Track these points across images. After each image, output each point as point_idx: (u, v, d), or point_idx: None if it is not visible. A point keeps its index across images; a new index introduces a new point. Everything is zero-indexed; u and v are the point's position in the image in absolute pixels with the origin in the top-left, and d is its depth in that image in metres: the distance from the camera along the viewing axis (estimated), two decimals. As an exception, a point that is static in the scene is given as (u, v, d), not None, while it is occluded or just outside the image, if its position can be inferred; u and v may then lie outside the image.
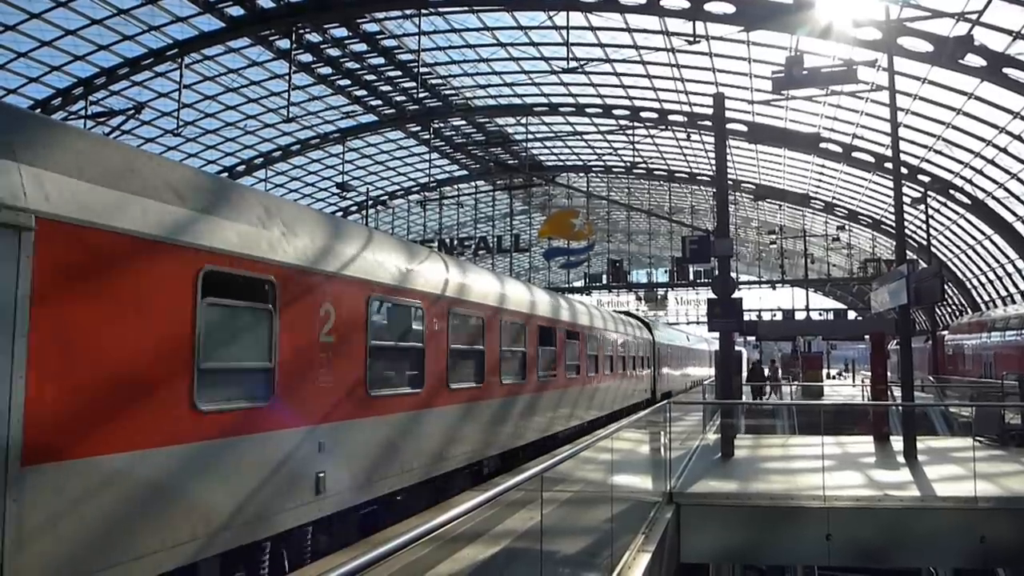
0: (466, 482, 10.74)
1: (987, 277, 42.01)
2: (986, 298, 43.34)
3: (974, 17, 20.32)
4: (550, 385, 15.13)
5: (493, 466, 12.00)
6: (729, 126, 26.84)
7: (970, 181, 32.89)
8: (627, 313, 33.06)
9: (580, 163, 47.17)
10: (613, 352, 21.73)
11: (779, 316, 49.47)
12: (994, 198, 32.94)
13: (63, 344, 4.71)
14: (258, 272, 6.45)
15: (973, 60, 21.65)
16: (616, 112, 35.81)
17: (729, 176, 23.55)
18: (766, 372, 34.78)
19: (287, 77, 28.10)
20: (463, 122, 38.39)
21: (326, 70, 30.66)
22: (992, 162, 30.24)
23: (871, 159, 33.42)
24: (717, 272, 16.12)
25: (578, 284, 50.36)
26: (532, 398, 13.84)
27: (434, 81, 32.92)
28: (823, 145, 34.03)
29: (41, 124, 5.52)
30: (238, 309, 6.37)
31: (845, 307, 63.48)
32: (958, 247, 42.66)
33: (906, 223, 21.64)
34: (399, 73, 31.11)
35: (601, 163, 46.99)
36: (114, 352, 5.09)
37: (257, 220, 6.71)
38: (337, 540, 7.56)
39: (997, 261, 39.12)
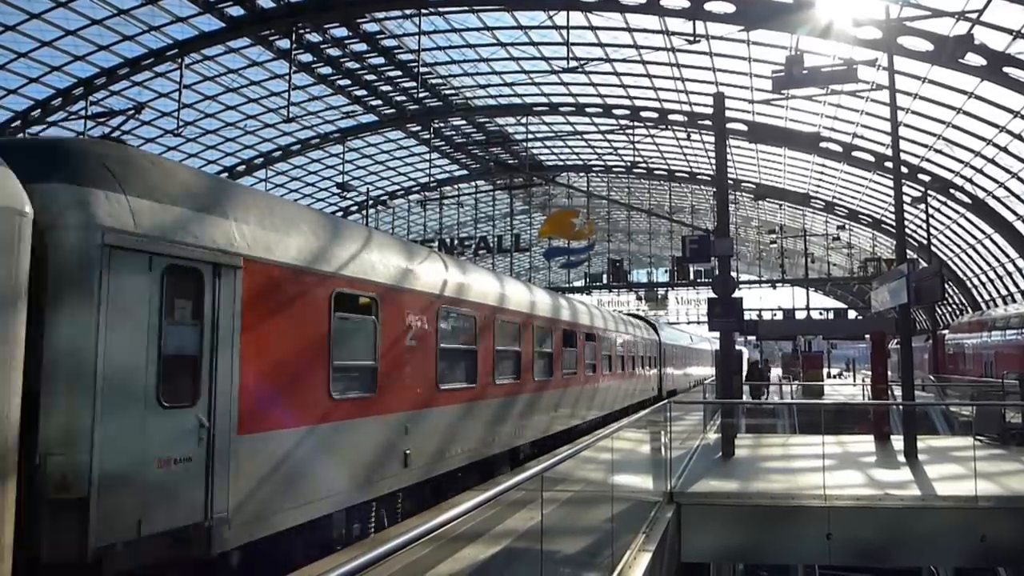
0: (505, 464, 12.55)
1: (987, 276, 42.00)
2: (986, 297, 43.34)
3: (974, 16, 20.31)
4: (572, 382, 17.08)
5: (527, 452, 13.82)
6: (729, 125, 26.85)
7: (970, 180, 32.88)
8: (635, 315, 35.28)
9: (580, 163, 47.16)
10: (625, 353, 23.69)
11: (779, 316, 49.44)
12: (994, 197, 32.93)
13: (257, 349, 6.56)
14: (367, 291, 8.51)
15: (973, 59, 21.63)
16: (616, 112, 35.79)
17: (729, 176, 23.57)
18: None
19: (287, 77, 28.09)
20: (463, 122, 38.38)
21: (326, 70, 30.65)
22: (992, 161, 30.23)
23: (871, 158, 33.41)
24: (717, 272, 16.12)
25: (578, 284, 50.38)
26: (558, 393, 15.84)
27: (434, 81, 32.91)
28: (823, 144, 34.01)
29: (240, 190, 8.09)
30: (354, 320, 8.31)
31: (845, 306, 63.47)
32: (958, 246, 42.65)
33: (906, 222, 21.64)
34: (399, 73, 31.09)
35: (601, 163, 46.98)
36: (284, 354, 7.04)
37: (363, 248, 8.78)
38: (419, 505, 9.49)
39: (997, 260, 39.11)
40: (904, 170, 25.47)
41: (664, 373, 31.47)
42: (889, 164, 26.09)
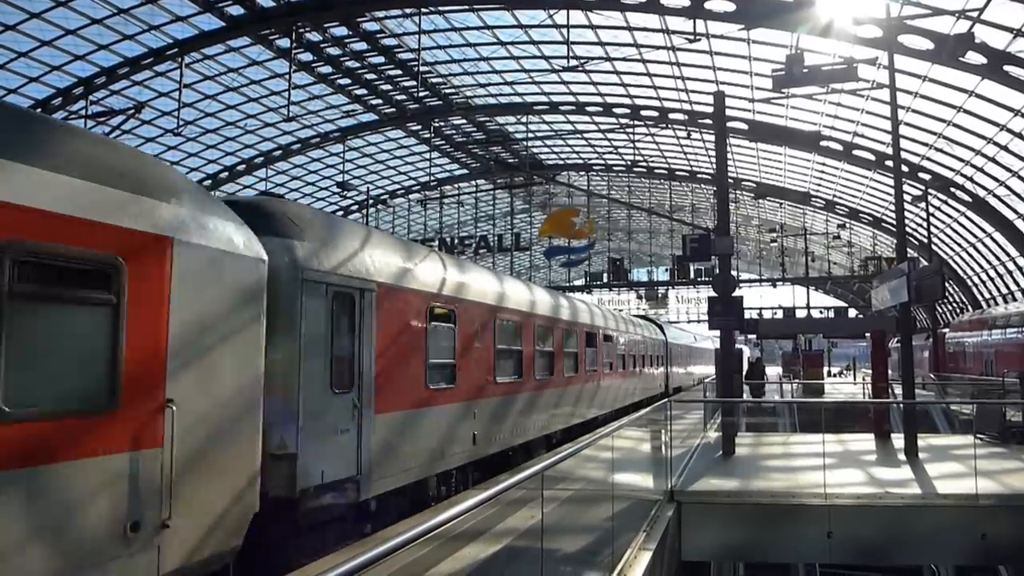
0: (542, 447, 14.79)
1: (988, 275, 42.00)
2: (987, 296, 43.33)
3: (975, 15, 20.30)
4: (593, 378, 19.29)
5: (558, 438, 15.84)
6: (730, 124, 26.85)
7: (971, 179, 32.87)
8: (643, 317, 37.58)
9: (581, 162, 47.15)
10: (636, 352, 26.07)
11: (780, 314, 49.44)
12: (995, 196, 32.92)
13: (385, 350, 8.88)
14: (449, 305, 10.90)
15: (974, 58, 21.62)
16: (616, 110, 35.79)
17: (730, 174, 23.55)
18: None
19: (287, 76, 28.07)
20: (463, 121, 38.37)
21: (326, 69, 30.64)
22: (993, 160, 30.22)
23: (872, 157, 33.39)
24: (718, 270, 16.12)
25: (579, 283, 50.37)
26: (581, 388, 18.11)
27: (434, 80, 32.91)
28: (824, 143, 34.00)
29: (371, 231, 10.48)
30: (441, 328, 10.60)
31: (846, 305, 63.46)
32: (959, 245, 42.64)
33: (907, 221, 21.63)
34: (399, 72, 31.08)
35: (602, 161, 46.97)
36: (400, 354, 9.37)
37: (446, 271, 11.25)
38: (482, 476, 11.81)
39: (998, 259, 39.10)
40: (905, 169, 25.50)
41: (670, 371, 33.26)
42: (889, 163, 26.09)
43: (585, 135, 41.81)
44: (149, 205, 5.52)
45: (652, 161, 45.18)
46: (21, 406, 4.42)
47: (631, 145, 40.95)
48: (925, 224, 33.99)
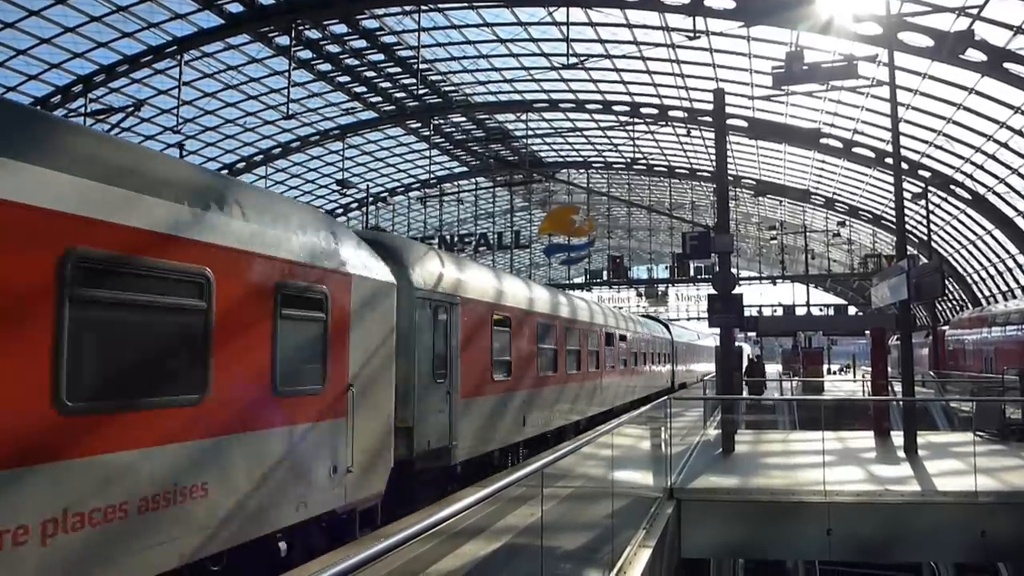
0: (571, 432, 17.09)
1: (988, 272, 42.01)
2: (987, 293, 43.35)
3: (975, 12, 20.29)
4: (612, 374, 21.95)
5: (583, 424, 18.15)
6: (729, 122, 26.83)
7: (971, 176, 32.87)
8: (652, 317, 40.13)
9: (580, 159, 47.14)
10: (648, 351, 28.45)
11: (780, 312, 49.45)
12: (995, 193, 32.92)
13: (465, 349, 11.25)
14: (506, 313, 13.38)
15: (974, 55, 21.61)
16: (616, 108, 35.77)
17: (729, 172, 23.53)
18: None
19: (287, 74, 28.05)
20: (463, 118, 38.35)
21: (326, 67, 30.62)
22: (993, 157, 30.21)
23: (871, 154, 33.39)
24: (717, 268, 16.12)
25: (579, 280, 50.35)
26: (603, 382, 20.63)
27: (434, 77, 32.90)
28: (823, 141, 34.00)
29: (456, 257, 13.21)
30: (500, 331, 13.06)
31: (846, 303, 63.49)
32: (959, 242, 42.66)
33: (907, 218, 21.62)
34: (399, 69, 31.07)
35: (601, 159, 46.95)
36: (475, 352, 11.84)
37: (502, 285, 13.95)
38: (528, 453, 14.25)
39: (998, 256, 39.11)
40: (904, 166, 25.47)
41: (676, 368, 35.39)
42: (889, 160, 26.10)
43: (585, 133, 41.80)
44: (339, 251, 7.99)
45: (652, 159, 45.16)
46: (286, 387, 6.82)
47: (631, 143, 40.95)
48: (925, 221, 34.01)
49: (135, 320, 5.45)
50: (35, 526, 4.43)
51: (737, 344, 22.41)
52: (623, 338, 23.53)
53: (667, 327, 36.35)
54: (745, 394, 21.71)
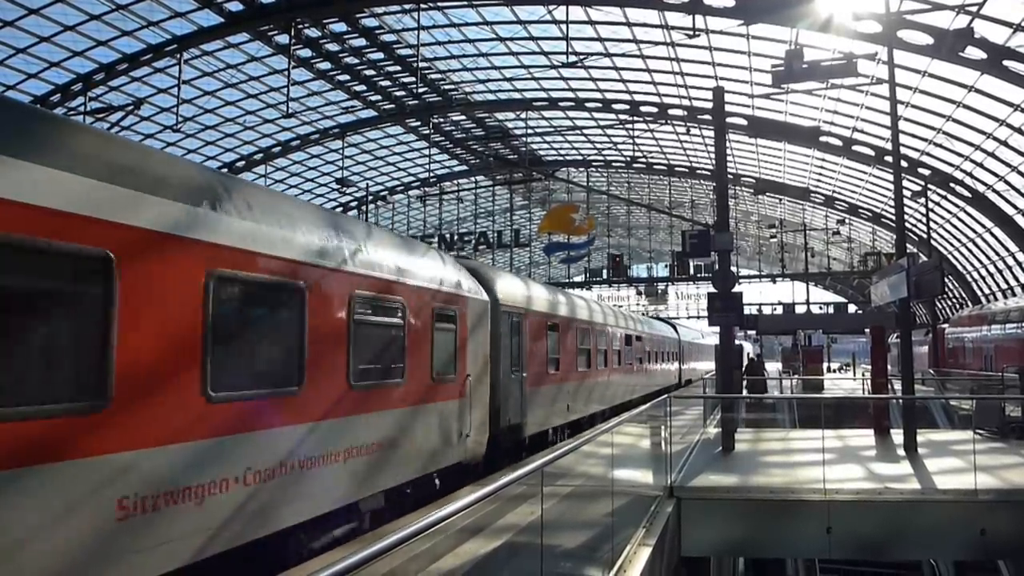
0: (599, 418, 19.29)
1: (987, 270, 42.01)
2: (986, 291, 43.35)
3: (974, 10, 20.29)
4: (630, 370, 25.27)
5: (608, 413, 20.44)
6: (729, 120, 26.83)
7: (970, 174, 32.86)
8: (660, 319, 43.46)
9: (580, 158, 47.13)
10: (659, 349, 31.78)
11: (779, 310, 49.45)
12: (994, 191, 32.91)
13: (531, 349, 14.46)
14: (557, 321, 16.45)
15: (973, 53, 21.61)
16: (616, 106, 35.76)
17: (729, 170, 23.52)
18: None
19: (286, 72, 28.06)
20: (463, 117, 38.34)
21: (325, 65, 30.61)
22: (992, 155, 30.20)
23: (871, 152, 33.39)
24: (717, 266, 16.12)
25: (578, 279, 50.35)
26: (624, 377, 24.01)
27: (433, 76, 32.89)
28: (823, 139, 33.99)
29: (520, 277, 17.47)
30: (552, 335, 16.01)
31: (846, 301, 63.47)
32: (958, 240, 42.65)
33: (906, 216, 21.58)
34: (398, 68, 31.06)
35: (601, 158, 46.94)
36: (537, 351, 14.98)
37: (555, 297, 17.32)
38: (572, 432, 16.84)
39: (997, 254, 39.11)
40: (904, 164, 25.41)
41: (683, 366, 38.25)
42: (889, 158, 26.07)
43: (584, 131, 41.79)
44: (461, 282, 11.02)
45: (651, 157, 45.15)
46: (438, 376, 9.76)
47: (630, 141, 40.94)
48: (925, 219, 34.00)
49: (375, 332, 8.38)
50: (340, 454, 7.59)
51: (737, 342, 22.76)
52: (639, 339, 26.98)
53: (674, 328, 39.50)
54: (745, 393, 21.74)
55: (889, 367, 22.83)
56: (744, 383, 23.20)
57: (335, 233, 7.79)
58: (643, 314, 47.98)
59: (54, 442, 4.54)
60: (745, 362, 29.52)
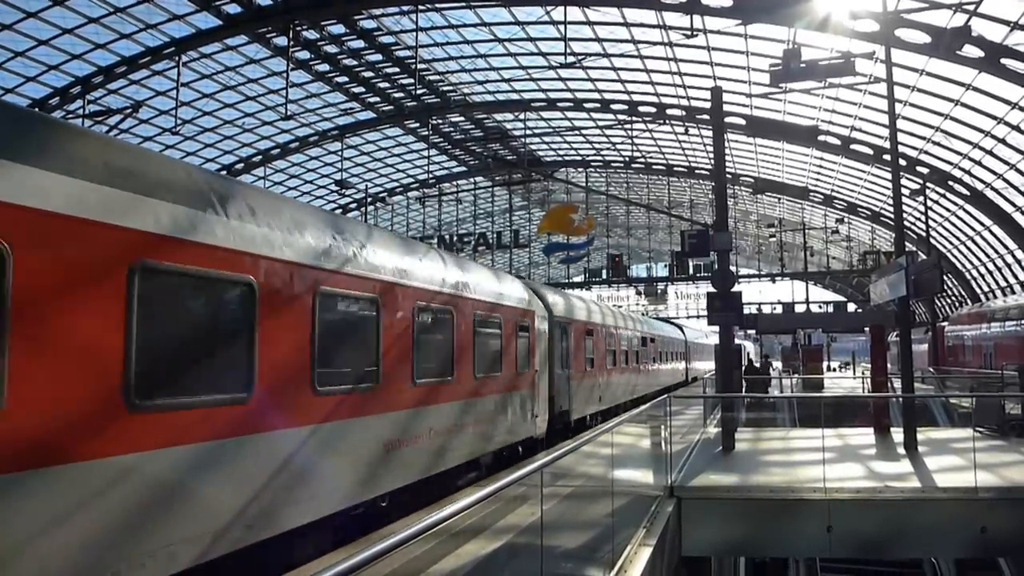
0: (623, 408, 21.78)
1: (986, 268, 42.02)
2: (985, 289, 43.36)
3: (971, 8, 20.29)
4: (647, 368, 29.07)
5: (630, 404, 23.24)
6: (727, 119, 26.82)
7: (969, 172, 32.87)
8: (668, 321, 46.64)
9: (579, 158, 47.13)
10: (668, 350, 35.17)
11: (779, 309, 49.46)
12: (993, 189, 32.92)
13: (575, 350, 18.29)
14: (592, 328, 20.44)
15: (971, 51, 21.62)
16: (614, 107, 35.77)
17: (728, 170, 23.53)
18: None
19: (285, 74, 28.05)
20: (461, 118, 38.35)
21: (324, 67, 30.62)
22: (991, 153, 30.21)
23: (870, 151, 33.40)
24: (716, 266, 16.13)
25: (578, 279, 50.36)
26: (642, 372, 27.98)
27: (432, 77, 32.89)
28: (821, 138, 34.00)
29: (566, 293, 22.41)
30: (588, 339, 19.77)
31: (845, 299, 63.46)
32: (957, 238, 42.67)
33: (905, 215, 21.63)
34: (397, 69, 31.06)
35: (600, 158, 46.95)
36: (578, 352, 18.65)
37: (587, 307, 21.60)
38: (605, 418, 19.26)
39: (996, 252, 39.12)
40: (902, 162, 25.40)
41: (689, 364, 41.02)
42: (887, 157, 26.06)
43: (583, 131, 41.79)
44: (530, 300, 14.30)
45: (650, 157, 45.16)
46: (519, 369, 13.21)
47: (629, 141, 40.94)
48: (923, 218, 34.01)
49: (485, 339, 11.77)
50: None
51: (737, 342, 23.15)
52: (653, 340, 30.67)
53: (681, 329, 42.76)
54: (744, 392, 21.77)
55: (889, 366, 22.84)
56: (744, 383, 23.26)
57: (467, 274, 11.67)
58: (643, 314, 49.02)
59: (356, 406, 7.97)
60: (744, 363, 29.42)
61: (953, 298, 50.31)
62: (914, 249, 37.90)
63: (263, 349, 6.35)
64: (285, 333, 6.73)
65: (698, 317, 58.07)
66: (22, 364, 4.40)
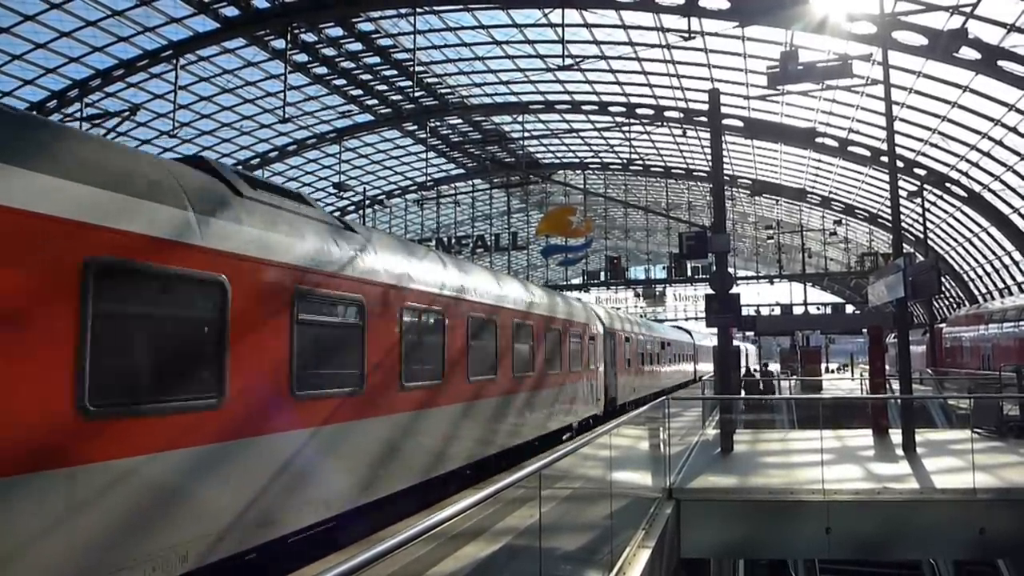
0: (651, 398, 21.60)
1: (984, 269, 42.08)
2: (983, 290, 43.42)
3: (968, 10, 20.35)
4: (665, 368, 34.12)
5: (651, 396, 24.48)
6: (725, 121, 26.86)
7: (966, 174, 32.93)
8: (678, 326, 50.32)
9: (577, 160, 47.16)
10: (680, 352, 39.79)
11: (777, 311, 49.50)
12: (990, 190, 32.99)
13: (619, 354, 23.82)
14: (628, 335, 26.08)
15: (968, 53, 21.67)
16: (612, 109, 35.82)
17: (726, 172, 23.54)
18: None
19: (282, 77, 28.07)
20: (459, 120, 38.37)
21: (322, 70, 30.63)
22: (988, 154, 30.27)
23: (867, 153, 33.45)
24: (715, 268, 16.14)
25: (576, 281, 50.35)
26: (662, 371, 32.83)
27: (430, 80, 32.90)
28: (819, 140, 34.05)
29: (613, 310, 31.36)
30: (627, 344, 25.59)
31: (843, 301, 63.54)
32: (955, 240, 42.73)
33: (903, 216, 21.63)
34: (395, 72, 31.08)
35: (598, 160, 46.98)
36: (620, 354, 24.04)
37: (629, 320, 29.50)
38: (636, 406, 19.26)
39: (994, 253, 39.19)
40: (900, 164, 25.46)
41: (697, 365, 44.52)
42: (885, 159, 26.07)
43: (581, 134, 41.83)
44: (598, 315, 21.32)
45: (648, 159, 45.20)
46: (589, 365, 19.00)
47: (627, 143, 40.98)
48: (921, 219, 34.05)
49: (573, 344, 17.06)
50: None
51: (736, 343, 23.92)
52: (669, 344, 35.67)
53: (690, 333, 46.83)
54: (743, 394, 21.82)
55: (887, 367, 22.85)
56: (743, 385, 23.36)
57: (563, 303, 17.45)
58: (641, 316, 49.88)
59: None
60: (743, 372, 29.29)
61: (951, 300, 50.38)
62: (912, 251, 37.86)
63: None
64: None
65: (696, 319, 58.07)
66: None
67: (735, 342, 30.03)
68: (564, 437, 15.96)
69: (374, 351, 8.08)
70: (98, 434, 4.84)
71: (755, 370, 34.25)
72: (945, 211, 39.19)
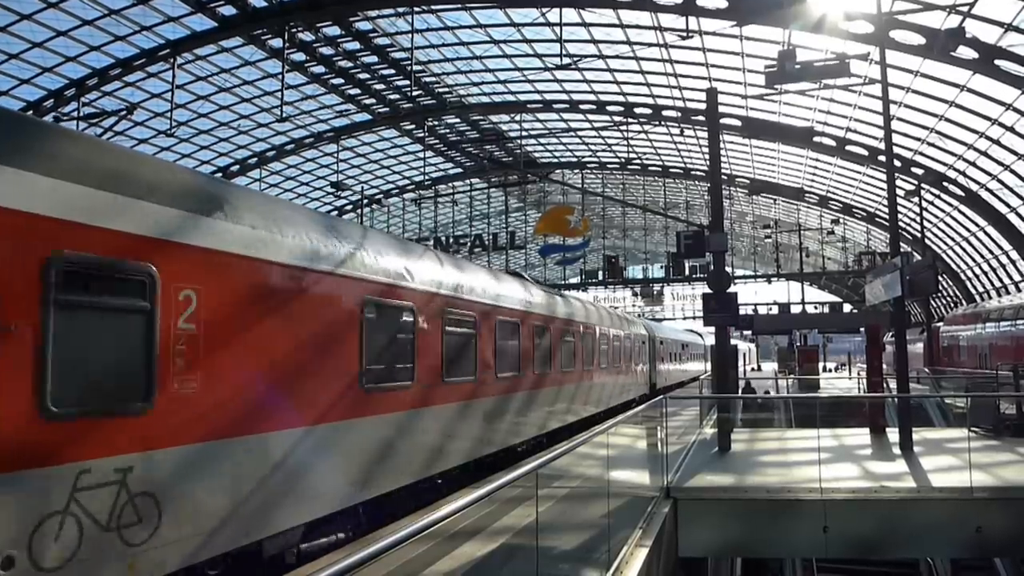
0: (676, 387, 34.14)
1: (981, 268, 42.12)
2: (980, 289, 43.48)
3: (965, 9, 20.36)
4: (685, 364, 40.78)
5: (675, 386, 33.36)
6: (723, 121, 26.86)
7: (963, 173, 32.96)
8: (691, 330, 54.15)
9: (575, 159, 47.17)
10: (695, 352, 44.96)
11: (775, 310, 49.55)
12: (987, 190, 33.03)
13: (657, 354, 32.07)
14: (663, 339, 33.83)
15: (965, 52, 21.69)
16: (610, 108, 35.81)
17: (723, 171, 23.59)
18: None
19: (280, 76, 28.03)
20: (457, 120, 38.35)
21: (319, 69, 30.59)
22: (985, 154, 30.31)
23: (865, 152, 33.48)
24: (712, 267, 16.13)
25: (574, 280, 50.35)
26: (682, 368, 39.93)
27: (428, 79, 32.88)
28: (817, 139, 34.07)
29: (651, 321, 41.83)
30: (662, 346, 33.38)
31: (841, 300, 63.60)
32: (952, 239, 42.77)
33: (900, 216, 21.65)
34: (393, 71, 31.05)
35: (596, 159, 46.99)
36: (657, 355, 32.08)
37: (664, 326, 43.82)
38: (668, 391, 29.53)
39: (991, 252, 39.23)
40: (897, 164, 25.53)
41: (707, 363, 46.20)
42: (882, 158, 26.07)
43: (579, 133, 41.84)
44: (643, 327, 29.91)
45: (646, 158, 45.21)
46: (637, 363, 27.27)
47: (625, 142, 40.98)
48: (918, 219, 34.08)
49: (628, 346, 25.38)
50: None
51: (732, 342, 24.21)
52: (686, 345, 42.14)
53: (701, 336, 49.49)
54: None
55: (885, 366, 22.88)
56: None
57: (629, 324, 26.31)
58: (639, 315, 50.24)
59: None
60: (742, 386, 28.87)
61: (948, 299, 50.43)
62: (909, 250, 37.83)
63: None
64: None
65: (694, 318, 58.11)
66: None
67: (733, 341, 33.99)
68: (633, 404, 21.94)
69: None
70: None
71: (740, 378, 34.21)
72: (942, 210, 39.23)
